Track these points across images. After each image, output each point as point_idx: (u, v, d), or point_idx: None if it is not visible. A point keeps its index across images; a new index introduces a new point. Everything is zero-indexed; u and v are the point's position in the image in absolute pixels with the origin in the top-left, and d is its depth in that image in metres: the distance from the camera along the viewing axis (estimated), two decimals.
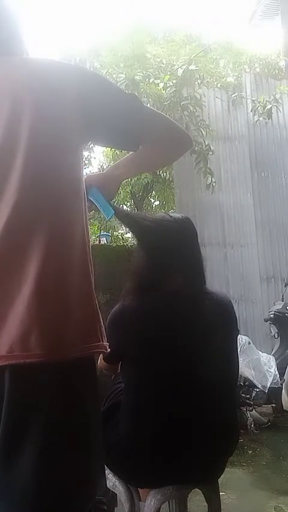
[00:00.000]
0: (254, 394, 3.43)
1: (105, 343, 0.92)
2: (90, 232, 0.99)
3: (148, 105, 3.00)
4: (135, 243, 1.63)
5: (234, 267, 4.63)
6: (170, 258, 1.40)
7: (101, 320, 0.94)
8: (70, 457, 0.82)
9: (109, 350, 0.96)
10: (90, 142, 1.15)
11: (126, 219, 1.41)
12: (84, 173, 1.06)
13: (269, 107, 4.65)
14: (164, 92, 4.18)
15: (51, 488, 0.79)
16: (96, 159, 7.68)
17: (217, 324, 1.40)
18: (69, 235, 0.89)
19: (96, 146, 5.03)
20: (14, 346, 0.79)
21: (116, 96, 1.02)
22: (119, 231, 7.10)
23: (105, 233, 5.67)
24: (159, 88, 4.14)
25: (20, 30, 1.05)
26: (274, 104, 4.67)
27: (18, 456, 0.78)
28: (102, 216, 2.98)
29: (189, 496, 1.46)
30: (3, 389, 0.79)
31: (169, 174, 5.62)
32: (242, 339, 3.44)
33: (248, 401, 3.39)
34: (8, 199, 0.85)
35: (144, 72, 4.12)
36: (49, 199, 0.87)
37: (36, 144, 0.87)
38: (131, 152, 1.15)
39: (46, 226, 0.85)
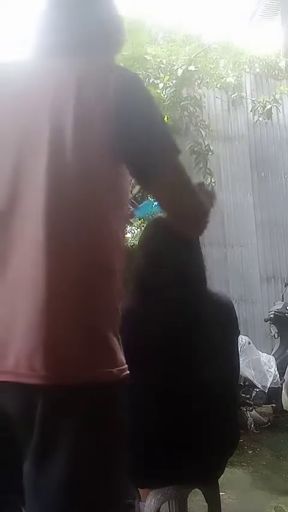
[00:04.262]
0: (254, 394, 3.43)
1: (117, 371, 0.86)
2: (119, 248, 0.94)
3: None
4: (136, 243, 1.63)
5: (234, 267, 4.63)
6: (170, 259, 1.41)
7: (119, 346, 0.89)
8: (100, 463, 0.83)
9: None
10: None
11: None
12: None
13: (269, 107, 4.65)
14: (163, 92, 4.18)
15: (83, 495, 0.80)
16: None
17: (218, 324, 1.40)
18: (92, 253, 0.87)
19: None
20: (19, 363, 0.79)
21: (151, 130, 0.95)
22: None
23: None
24: (158, 89, 4.14)
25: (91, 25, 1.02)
26: (274, 104, 4.67)
27: (51, 462, 0.79)
28: None
29: (189, 496, 1.46)
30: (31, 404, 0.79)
31: None
32: (242, 339, 3.44)
33: (248, 401, 3.39)
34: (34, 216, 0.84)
35: (143, 72, 4.12)
36: (78, 221, 0.86)
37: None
38: None
39: (62, 242, 0.84)
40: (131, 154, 0.93)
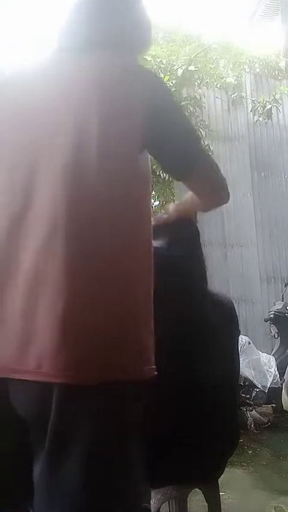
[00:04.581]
0: (254, 394, 3.43)
1: (147, 369, 0.86)
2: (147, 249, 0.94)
3: None
4: None
5: (234, 267, 4.63)
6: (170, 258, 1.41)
7: (151, 344, 0.88)
8: (115, 467, 0.82)
9: None
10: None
11: None
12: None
13: (268, 107, 4.66)
14: None
15: (99, 498, 0.79)
16: None
17: (218, 324, 1.40)
18: (115, 252, 0.86)
19: None
20: (42, 362, 0.78)
21: (180, 125, 1.01)
22: None
23: None
24: None
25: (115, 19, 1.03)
26: (274, 104, 4.67)
27: (66, 463, 0.78)
28: None
29: (189, 496, 1.46)
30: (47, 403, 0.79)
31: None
32: (242, 339, 3.43)
33: (248, 401, 3.39)
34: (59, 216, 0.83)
35: None
36: (106, 220, 0.86)
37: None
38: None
39: (87, 239, 0.84)
40: (163, 151, 0.98)
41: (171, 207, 1.31)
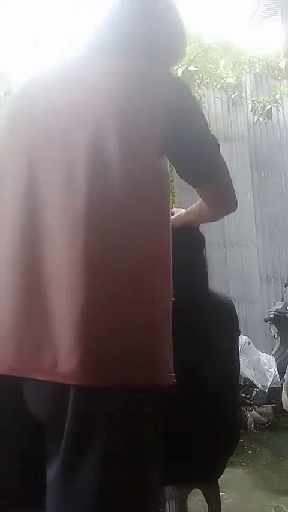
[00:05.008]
0: (254, 394, 3.43)
1: (160, 377, 0.85)
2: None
3: None
4: None
5: (234, 267, 4.63)
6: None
7: (166, 350, 0.87)
8: (132, 471, 0.81)
9: None
10: None
11: None
12: None
13: (268, 107, 4.65)
14: None
15: (115, 501, 0.78)
16: None
17: (218, 324, 1.40)
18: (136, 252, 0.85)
19: None
20: (57, 362, 0.77)
21: (201, 133, 1.01)
22: None
23: None
24: None
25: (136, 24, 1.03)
26: (274, 104, 4.67)
27: (82, 465, 0.77)
28: None
29: (189, 496, 1.46)
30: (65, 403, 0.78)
31: (169, 174, 5.59)
32: (242, 339, 3.44)
33: (248, 401, 3.39)
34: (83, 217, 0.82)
35: None
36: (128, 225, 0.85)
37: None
38: (199, 201, 1.19)
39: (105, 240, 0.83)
40: (182, 158, 0.99)
41: (175, 219, 1.30)
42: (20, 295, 0.83)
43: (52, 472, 0.80)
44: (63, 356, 0.77)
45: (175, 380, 0.86)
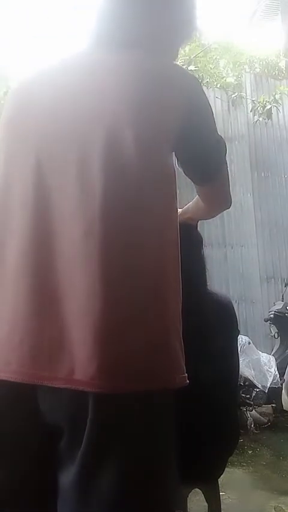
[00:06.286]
0: (254, 394, 3.43)
1: (175, 379, 0.84)
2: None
3: None
4: None
5: (234, 267, 4.63)
6: None
7: (179, 351, 0.86)
8: (152, 476, 0.80)
9: None
10: None
11: None
12: None
13: (268, 107, 4.65)
14: None
15: (136, 508, 0.77)
16: None
17: (217, 324, 1.40)
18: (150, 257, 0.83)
19: None
20: (74, 369, 0.76)
21: (213, 132, 1.04)
22: None
23: None
24: None
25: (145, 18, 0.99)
26: (274, 104, 4.67)
27: (101, 472, 0.76)
28: None
29: (189, 496, 1.46)
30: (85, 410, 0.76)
31: None
32: (242, 339, 3.44)
33: (248, 401, 3.39)
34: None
35: None
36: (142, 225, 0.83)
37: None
38: (195, 198, 1.21)
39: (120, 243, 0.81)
40: (190, 156, 0.99)
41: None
42: (33, 301, 0.81)
43: (67, 479, 0.78)
44: (80, 363, 0.76)
45: (187, 381, 0.86)
